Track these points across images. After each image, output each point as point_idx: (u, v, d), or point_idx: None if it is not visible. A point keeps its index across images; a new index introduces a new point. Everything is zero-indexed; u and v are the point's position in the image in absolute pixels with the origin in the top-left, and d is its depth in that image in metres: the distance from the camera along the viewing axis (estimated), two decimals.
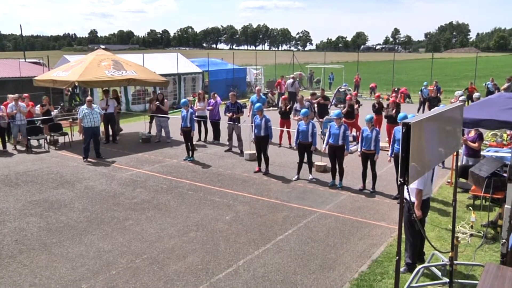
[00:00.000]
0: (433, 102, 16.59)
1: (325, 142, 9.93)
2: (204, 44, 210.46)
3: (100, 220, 7.87)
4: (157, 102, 14.19)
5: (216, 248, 6.77)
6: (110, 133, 14.32)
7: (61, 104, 18.38)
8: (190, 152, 12.00)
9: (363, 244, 6.93)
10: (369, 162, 9.24)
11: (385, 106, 13.67)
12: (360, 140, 9.31)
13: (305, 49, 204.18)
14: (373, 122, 9.22)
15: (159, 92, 16.28)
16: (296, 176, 10.22)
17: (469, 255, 6.45)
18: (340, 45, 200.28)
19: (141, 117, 17.62)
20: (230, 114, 12.73)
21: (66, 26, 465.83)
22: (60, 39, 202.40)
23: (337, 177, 9.73)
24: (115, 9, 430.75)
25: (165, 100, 14.59)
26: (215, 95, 14.50)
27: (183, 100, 12.31)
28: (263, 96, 14.32)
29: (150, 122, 15.23)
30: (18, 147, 13.42)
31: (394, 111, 12.65)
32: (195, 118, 14.13)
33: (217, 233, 7.32)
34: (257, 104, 10.73)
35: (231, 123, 12.84)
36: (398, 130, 8.63)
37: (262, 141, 10.51)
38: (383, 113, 13.41)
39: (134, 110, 20.19)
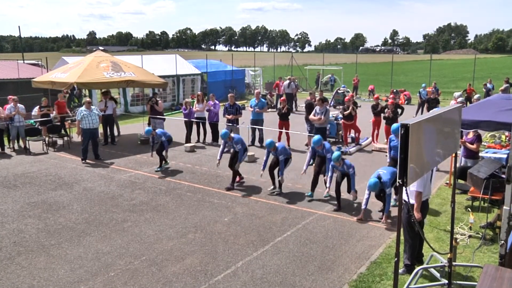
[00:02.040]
0: (432, 103, 16.63)
1: (305, 163, 9.23)
2: (202, 46, 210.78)
3: (98, 221, 7.86)
4: (154, 100, 14.14)
5: (215, 249, 6.76)
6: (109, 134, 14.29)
7: None
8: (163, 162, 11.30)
9: (361, 245, 6.93)
10: (345, 179, 8.53)
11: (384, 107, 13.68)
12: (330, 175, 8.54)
13: (304, 50, 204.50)
14: (340, 159, 8.24)
15: (151, 96, 15.78)
16: (272, 187, 9.51)
17: (467, 257, 6.45)
18: (338, 46, 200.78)
19: (140, 118, 17.61)
20: (230, 116, 12.74)
21: (65, 28, 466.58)
22: (59, 41, 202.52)
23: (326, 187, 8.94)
24: (113, 11, 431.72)
25: (159, 101, 14.54)
26: (213, 96, 14.52)
27: (146, 129, 11.50)
28: (263, 100, 14.14)
29: (149, 124, 15.21)
30: (17, 148, 13.40)
31: (392, 112, 12.69)
32: (194, 120, 14.16)
33: (215, 234, 7.31)
34: (223, 131, 9.80)
35: (230, 124, 12.86)
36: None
37: (236, 157, 9.73)
38: (382, 115, 13.43)
39: (132, 112, 20.19)
